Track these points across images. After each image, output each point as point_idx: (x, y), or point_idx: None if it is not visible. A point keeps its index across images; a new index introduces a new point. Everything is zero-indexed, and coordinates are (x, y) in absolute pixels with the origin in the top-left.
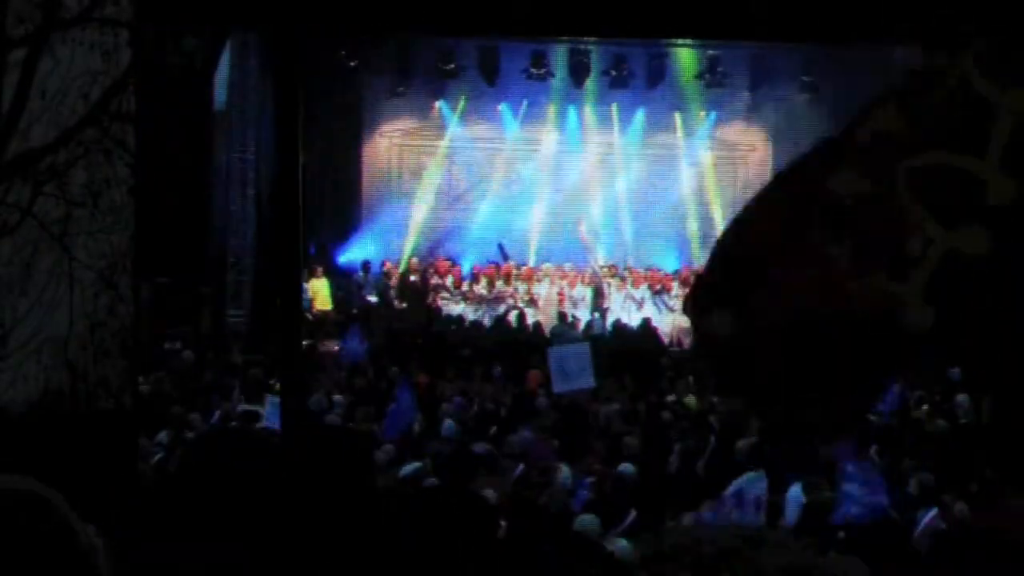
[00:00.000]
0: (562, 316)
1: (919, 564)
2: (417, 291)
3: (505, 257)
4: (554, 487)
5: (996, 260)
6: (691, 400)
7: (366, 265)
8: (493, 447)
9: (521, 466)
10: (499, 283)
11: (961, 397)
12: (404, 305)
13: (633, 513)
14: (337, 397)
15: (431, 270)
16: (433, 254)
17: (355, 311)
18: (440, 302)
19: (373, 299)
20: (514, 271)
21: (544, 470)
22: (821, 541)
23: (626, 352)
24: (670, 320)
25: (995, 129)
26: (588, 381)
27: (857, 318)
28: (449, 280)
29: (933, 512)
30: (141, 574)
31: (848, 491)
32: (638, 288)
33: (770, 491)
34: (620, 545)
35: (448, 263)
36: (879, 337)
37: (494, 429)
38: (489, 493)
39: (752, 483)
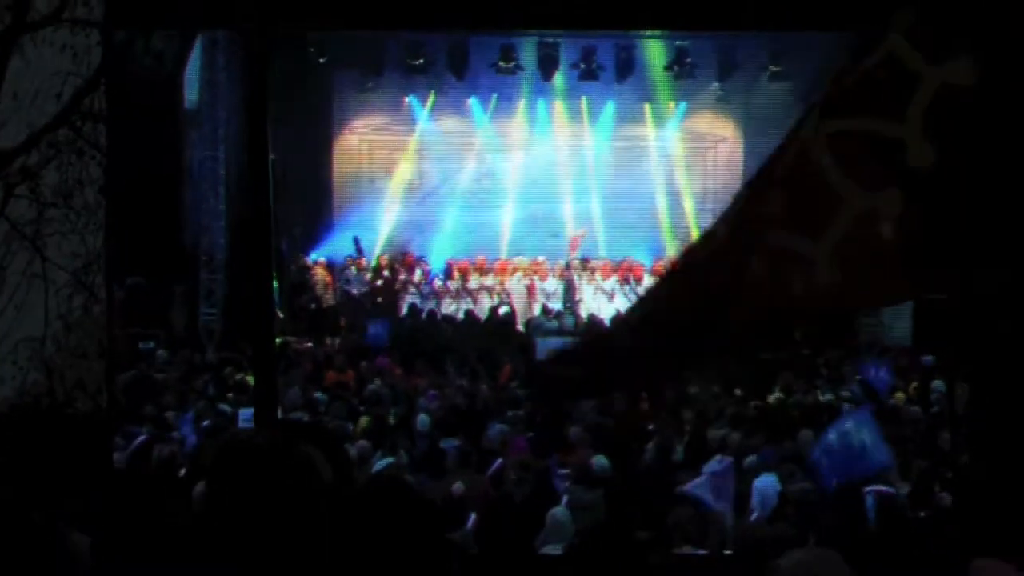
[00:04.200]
0: (545, 309)
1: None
2: (387, 286)
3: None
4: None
5: (912, 223)
6: None
7: (355, 260)
8: (467, 442)
9: (499, 460)
10: (473, 277)
11: (936, 383)
12: (379, 300)
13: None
14: (318, 394)
15: (398, 265)
16: (406, 249)
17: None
18: (408, 297)
19: (355, 291)
20: (486, 265)
21: (522, 466)
22: (799, 531)
23: None
24: None
25: (916, 98)
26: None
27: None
28: (417, 275)
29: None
30: None
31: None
32: (607, 280)
33: (739, 481)
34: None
35: (413, 258)
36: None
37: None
38: (457, 487)
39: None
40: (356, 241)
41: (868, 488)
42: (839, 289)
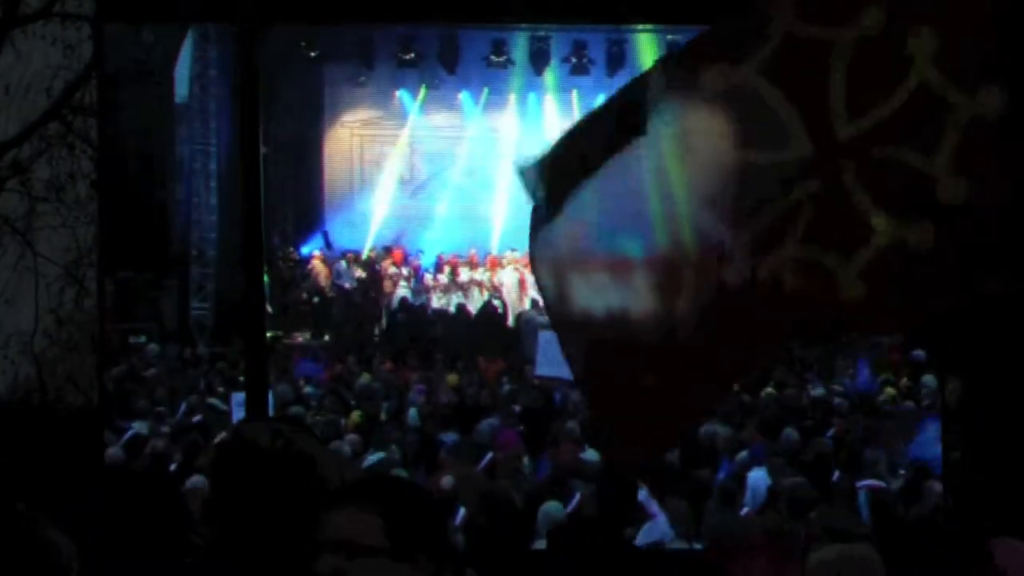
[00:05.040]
0: (536, 303)
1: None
2: (375, 281)
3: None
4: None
5: (942, 255)
6: None
7: (345, 254)
8: (460, 435)
9: (490, 454)
10: (463, 271)
11: (927, 378)
12: (372, 294)
13: (578, 495)
14: (308, 390)
15: (387, 260)
16: (398, 243)
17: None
18: (398, 291)
19: (347, 285)
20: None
21: (513, 458)
22: (790, 524)
23: None
24: None
25: (948, 128)
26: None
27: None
28: (405, 270)
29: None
30: None
31: None
32: None
33: (730, 477)
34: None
35: (402, 253)
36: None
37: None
38: (446, 480)
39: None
40: (325, 235)
41: (860, 483)
42: (860, 309)
